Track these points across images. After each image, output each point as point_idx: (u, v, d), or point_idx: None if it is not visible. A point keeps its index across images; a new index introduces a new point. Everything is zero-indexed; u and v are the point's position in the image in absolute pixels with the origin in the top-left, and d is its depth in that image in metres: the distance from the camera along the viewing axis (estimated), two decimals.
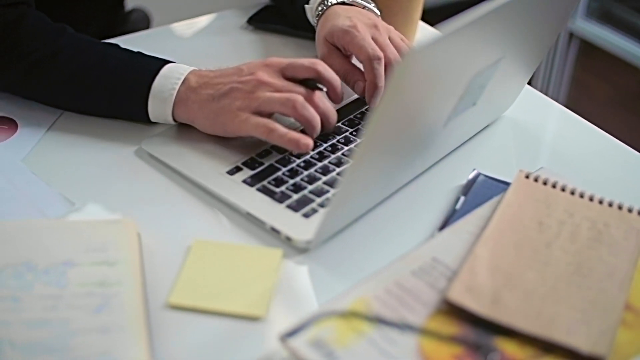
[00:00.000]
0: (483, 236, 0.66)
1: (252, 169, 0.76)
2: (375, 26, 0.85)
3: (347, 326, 0.58)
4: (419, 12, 1.00)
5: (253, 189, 0.74)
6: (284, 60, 0.79)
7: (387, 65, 0.82)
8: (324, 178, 0.75)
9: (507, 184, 0.75)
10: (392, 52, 0.83)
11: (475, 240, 0.66)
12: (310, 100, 0.77)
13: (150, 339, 0.59)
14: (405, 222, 0.73)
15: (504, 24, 0.66)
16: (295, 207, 0.71)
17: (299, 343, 0.56)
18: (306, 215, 0.71)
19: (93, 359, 0.55)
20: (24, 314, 0.58)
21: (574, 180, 0.75)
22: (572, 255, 0.65)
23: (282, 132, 0.74)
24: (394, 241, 0.71)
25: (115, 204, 0.74)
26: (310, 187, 0.74)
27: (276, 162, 0.77)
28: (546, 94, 0.96)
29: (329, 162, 0.77)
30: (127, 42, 0.88)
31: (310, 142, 0.75)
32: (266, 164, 0.77)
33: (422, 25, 1.06)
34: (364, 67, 0.83)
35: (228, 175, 0.75)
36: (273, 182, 0.74)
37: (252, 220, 0.72)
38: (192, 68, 0.81)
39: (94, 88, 0.82)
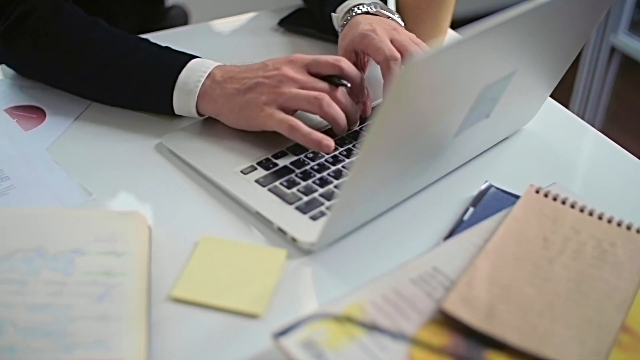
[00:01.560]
0: (485, 248, 0.66)
1: (267, 169, 0.77)
2: (395, 29, 0.86)
3: (340, 329, 0.59)
4: (447, 21, 1.00)
5: (264, 189, 0.75)
6: (308, 57, 0.81)
7: None
8: (336, 182, 0.76)
9: (519, 197, 0.74)
10: (414, 49, 0.84)
11: (477, 251, 0.66)
12: (333, 97, 0.78)
13: (149, 330, 0.60)
14: (412, 231, 0.73)
15: (515, 38, 0.65)
16: (303, 209, 0.72)
17: (290, 342, 0.57)
18: (314, 218, 0.72)
19: (88, 346, 0.56)
20: (28, 297, 0.60)
21: (587, 198, 0.74)
22: (574, 272, 0.65)
23: (305, 132, 0.76)
24: (399, 248, 0.71)
25: (131, 197, 0.76)
26: (321, 190, 0.75)
27: (291, 163, 0.78)
28: (585, 109, 0.95)
29: (342, 167, 0.78)
30: (162, 37, 0.90)
31: (332, 143, 0.76)
32: (280, 165, 0.78)
33: (452, 34, 1.06)
34: (381, 69, 0.83)
35: (242, 174, 0.77)
36: (285, 184, 0.75)
37: (260, 220, 0.73)
38: (217, 63, 0.83)
39: (121, 79, 0.85)
